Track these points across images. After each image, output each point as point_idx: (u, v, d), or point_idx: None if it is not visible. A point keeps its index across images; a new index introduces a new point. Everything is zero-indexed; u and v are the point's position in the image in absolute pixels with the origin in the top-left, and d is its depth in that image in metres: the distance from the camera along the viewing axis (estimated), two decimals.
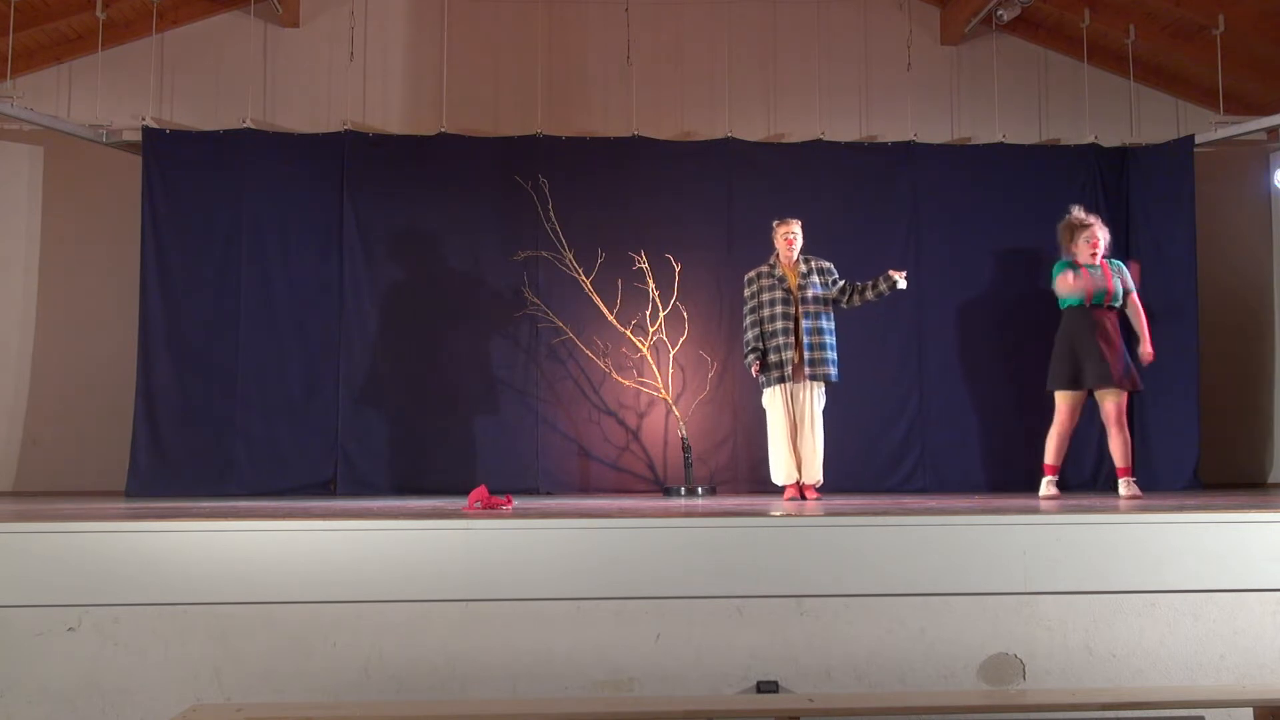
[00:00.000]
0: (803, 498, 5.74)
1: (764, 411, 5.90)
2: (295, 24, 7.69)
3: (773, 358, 5.72)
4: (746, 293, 5.94)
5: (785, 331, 5.71)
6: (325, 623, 3.26)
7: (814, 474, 5.74)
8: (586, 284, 7.09)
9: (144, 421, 6.91)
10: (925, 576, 3.39)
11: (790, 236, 5.81)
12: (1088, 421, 7.36)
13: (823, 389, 5.78)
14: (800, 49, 7.85)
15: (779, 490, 5.89)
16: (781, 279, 5.79)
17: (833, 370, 5.73)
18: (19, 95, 7.10)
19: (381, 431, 7.12)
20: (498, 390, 7.22)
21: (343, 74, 7.63)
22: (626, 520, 3.45)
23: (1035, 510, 3.77)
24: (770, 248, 6.00)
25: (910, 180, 7.50)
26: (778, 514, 3.83)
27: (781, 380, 5.70)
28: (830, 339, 5.77)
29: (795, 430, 5.75)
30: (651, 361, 7.13)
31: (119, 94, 7.37)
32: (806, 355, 5.68)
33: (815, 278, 5.83)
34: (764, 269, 5.89)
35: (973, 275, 7.45)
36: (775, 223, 5.93)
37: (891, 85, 7.83)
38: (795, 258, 5.83)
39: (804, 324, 5.71)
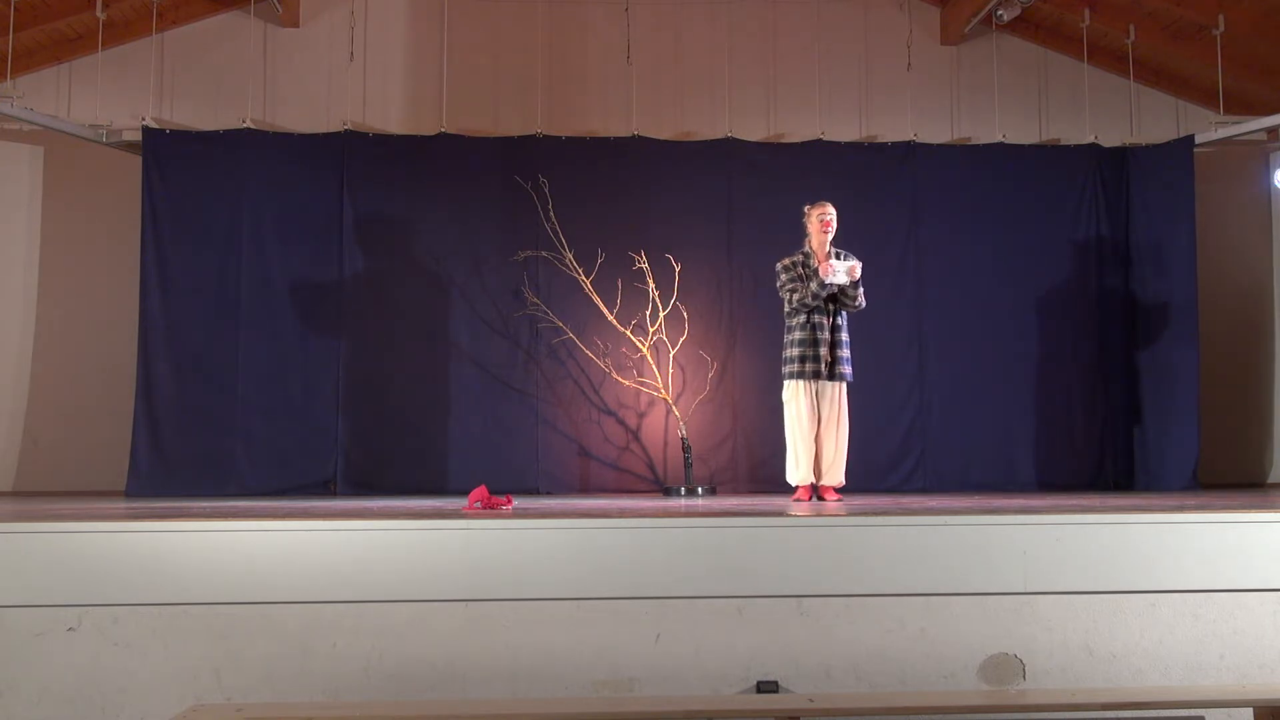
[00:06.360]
0: (821, 499, 5.48)
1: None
2: (295, 24, 7.69)
3: (804, 351, 5.42)
4: (784, 277, 5.51)
5: (818, 326, 5.42)
6: (325, 623, 3.26)
7: (836, 475, 5.49)
8: (586, 284, 7.09)
9: (144, 421, 6.90)
10: (925, 576, 3.39)
11: (826, 218, 5.45)
12: (1090, 421, 7.41)
13: (845, 387, 5.53)
14: (800, 49, 7.85)
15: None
16: (817, 270, 5.43)
17: (848, 369, 5.51)
18: (19, 95, 7.09)
19: (381, 431, 7.12)
20: (498, 390, 7.21)
21: (343, 74, 7.62)
22: (626, 520, 3.45)
23: (1035, 510, 3.77)
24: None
25: (910, 180, 7.50)
26: (778, 514, 3.83)
27: (816, 375, 5.40)
28: (848, 337, 5.56)
29: (817, 428, 5.46)
30: (651, 361, 7.12)
31: (119, 94, 7.36)
32: (835, 353, 5.43)
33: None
34: (798, 257, 5.54)
35: (973, 275, 7.44)
36: (808, 207, 5.61)
37: (891, 85, 7.83)
38: (829, 246, 5.50)
39: (833, 320, 5.45)
